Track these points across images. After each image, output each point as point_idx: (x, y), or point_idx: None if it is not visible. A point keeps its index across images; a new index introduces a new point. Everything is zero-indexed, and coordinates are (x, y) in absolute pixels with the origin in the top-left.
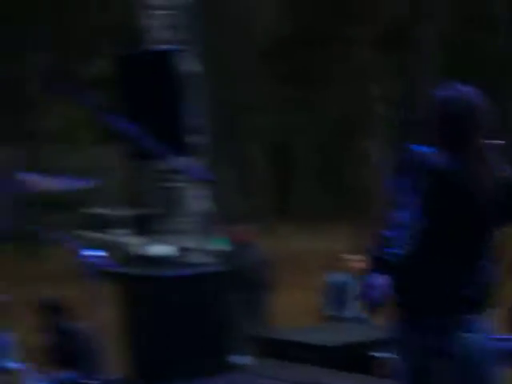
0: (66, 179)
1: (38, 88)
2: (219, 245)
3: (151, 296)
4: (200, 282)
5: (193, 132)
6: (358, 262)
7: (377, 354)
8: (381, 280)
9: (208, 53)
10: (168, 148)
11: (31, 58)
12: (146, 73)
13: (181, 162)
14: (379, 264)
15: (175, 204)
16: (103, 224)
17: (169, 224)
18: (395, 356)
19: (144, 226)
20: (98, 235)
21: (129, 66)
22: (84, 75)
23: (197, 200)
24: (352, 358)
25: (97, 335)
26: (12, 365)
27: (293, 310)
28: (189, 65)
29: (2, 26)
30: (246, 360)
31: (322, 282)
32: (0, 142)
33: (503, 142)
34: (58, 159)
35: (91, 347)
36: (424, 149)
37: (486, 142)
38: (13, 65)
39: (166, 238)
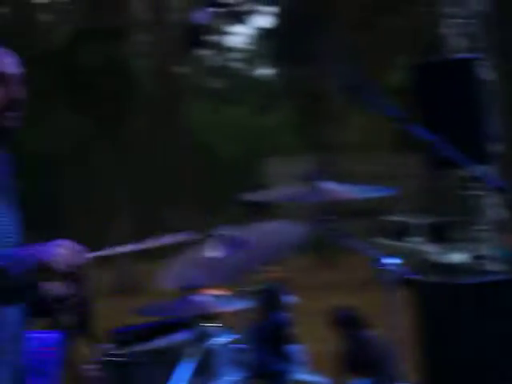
0: (364, 187)
1: (338, 96)
2: (504, 253)
3: (447, 304)
4: (497, 290)
5: (490, 140)
6: None
7: None
8: None
9: (502, 60)
10: (468, 156)
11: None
12: (446, 81)
13: (480, 170)
14: None
15: (473, 212)
16: (401, 231)
17: (466, 232)
18: None
19: (441, 234)
20: (395, 243)
21: (427, 74)
22: (383, 84)
23: (493, 208)
24: None
25: (392, 343)
26: (307, 376)
27: None
28: (485, 73)
29: None
30: None
31: None
32: (302, 153)
33: None
34: (355, 168)
35: (386, 356)
36: None
37: None
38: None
39: (462, 246)
